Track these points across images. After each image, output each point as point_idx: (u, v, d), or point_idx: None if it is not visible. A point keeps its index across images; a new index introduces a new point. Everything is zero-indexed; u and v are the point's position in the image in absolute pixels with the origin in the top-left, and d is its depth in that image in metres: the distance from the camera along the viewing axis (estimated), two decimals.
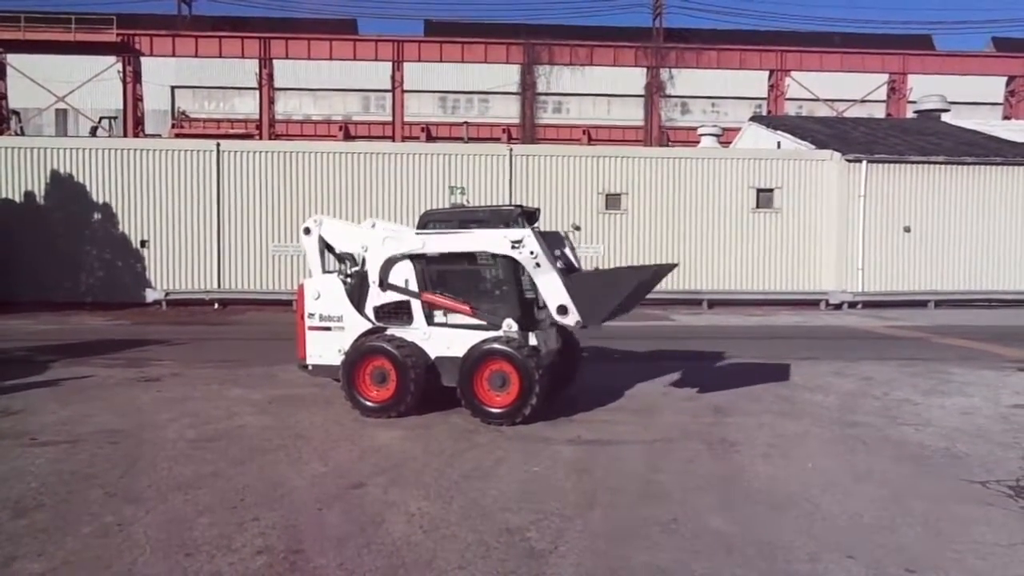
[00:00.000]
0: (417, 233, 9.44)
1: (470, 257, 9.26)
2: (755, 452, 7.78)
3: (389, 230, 9.76)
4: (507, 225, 9.23)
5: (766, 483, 6.80)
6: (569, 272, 9.33)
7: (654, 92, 43.61)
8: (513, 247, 8.87)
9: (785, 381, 11.71)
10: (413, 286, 9.27)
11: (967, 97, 45.15)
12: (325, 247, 10.07)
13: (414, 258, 9.30)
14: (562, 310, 8.86)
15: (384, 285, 9.44)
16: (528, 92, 43.50)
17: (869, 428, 8.79)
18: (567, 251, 9.78)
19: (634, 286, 9.07)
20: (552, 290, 8.89)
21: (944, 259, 26.05)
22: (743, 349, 15.19)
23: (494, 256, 9.06)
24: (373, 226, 9.89)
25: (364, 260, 9.66)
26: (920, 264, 26.00)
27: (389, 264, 9.42)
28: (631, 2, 47.29)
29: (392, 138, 40.42)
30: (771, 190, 26.12)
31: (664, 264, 9.28)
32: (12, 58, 39.15)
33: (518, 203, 10.37)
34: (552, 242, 9.35)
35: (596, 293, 8.91)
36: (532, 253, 8.86)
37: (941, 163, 26.08)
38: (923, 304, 25.27)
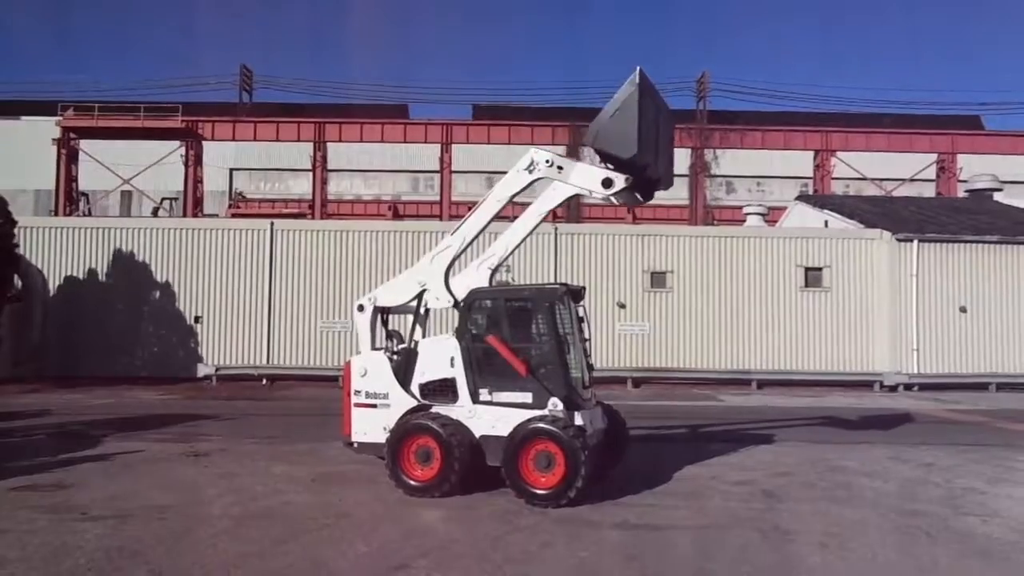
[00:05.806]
0: (452, 234, 9.76)
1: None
2: (811, 541, 7.46)
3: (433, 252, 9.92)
4: (551, 304, 9.27)
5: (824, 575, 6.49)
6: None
7: (699, 172, 43.94)
8: (530, 171, 9.34)
9: (840, 466, 11.29)
10: (460, 365, 9.27)
11: (1019, 177, 44.47)
12: (382, 321, 10.13)
13: (460, 336, 9.36)
14: (607, 183, 9.14)
15: (458, 304, 9.49)
16: None
17: (932, 518, 8.38)
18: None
19: (637, 99, 8.97)
20: (587, 174, 9.31)
21: (1004, 340, 25.22)
22: (794, 432, 14.74)
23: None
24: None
25: (423, 302, 9.70)
26: (979, 345, 25.20)
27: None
28: (675, 85, 48.01)
29: (440, 217, 41.23)
30: (820, 269, 25.83)
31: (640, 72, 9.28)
32: (84, 143, 41.45)
33: (563, 281, 10.37)
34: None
35: (614, 129, 9.01)
36: (548, 162, 9.35)
37: (996, 242, 25.59)
38: (983, 387, 24.35)
